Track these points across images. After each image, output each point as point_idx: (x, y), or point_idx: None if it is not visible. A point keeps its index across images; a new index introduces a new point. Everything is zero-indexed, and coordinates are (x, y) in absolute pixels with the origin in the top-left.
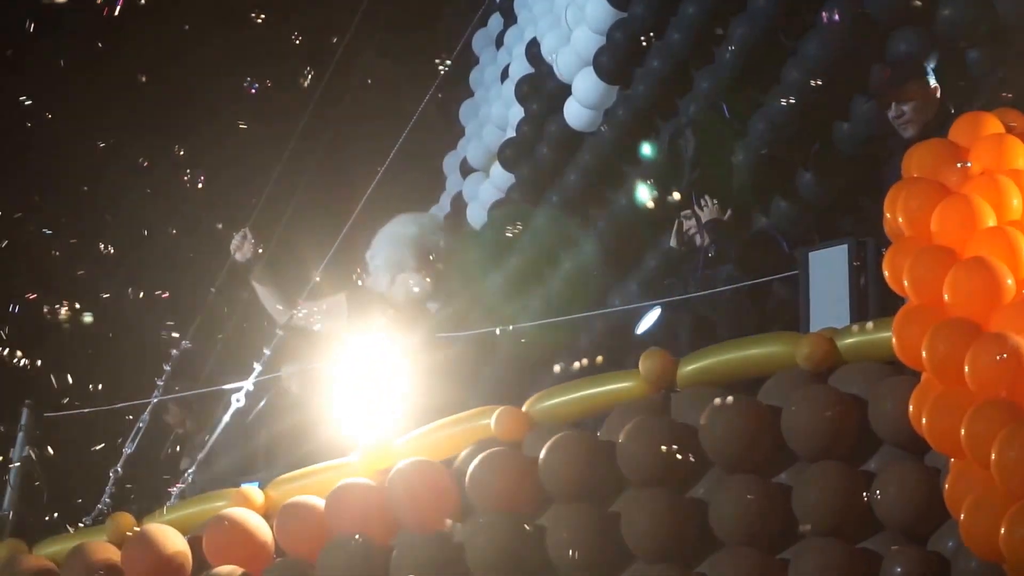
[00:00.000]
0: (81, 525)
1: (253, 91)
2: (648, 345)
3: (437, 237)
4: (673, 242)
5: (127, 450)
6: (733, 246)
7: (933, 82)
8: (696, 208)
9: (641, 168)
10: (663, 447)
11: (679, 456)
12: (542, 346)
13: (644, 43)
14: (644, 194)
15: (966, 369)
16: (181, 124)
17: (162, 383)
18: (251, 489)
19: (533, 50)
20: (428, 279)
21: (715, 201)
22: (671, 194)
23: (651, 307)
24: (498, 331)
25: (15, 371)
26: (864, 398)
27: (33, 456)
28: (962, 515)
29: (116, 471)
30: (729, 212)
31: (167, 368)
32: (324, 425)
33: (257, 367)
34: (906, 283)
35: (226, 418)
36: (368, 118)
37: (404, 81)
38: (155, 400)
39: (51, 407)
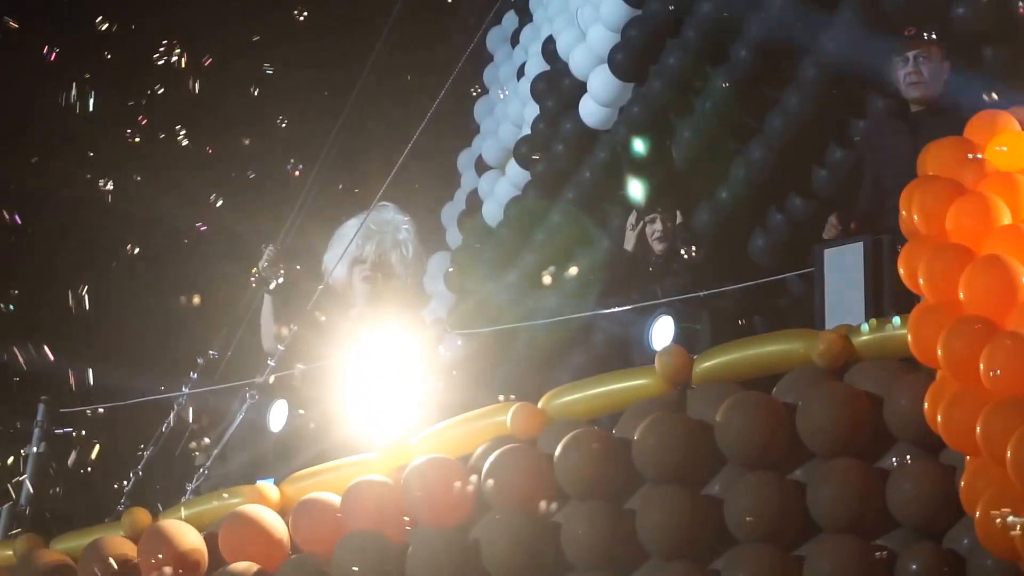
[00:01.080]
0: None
1: (297, 173)
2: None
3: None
4: (629, 246)
5: (148, 452)
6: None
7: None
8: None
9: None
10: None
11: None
12: (556, 342)
13: None
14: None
15: (982, 367)
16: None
17: (188, 389)
18: (267, 485)
19: (549, 48)
20: (367, 278)
21: (679, 211)
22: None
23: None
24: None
25: (32, 367)
26: (879, 395)
27: (49, 452)
28: (978, 513)
29: (137, 473)
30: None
31: (194, 376)
32: (339, 422)
33: (271, 363)
34: (922, 281)
35: (241, 414)
36: (383, 117)
37: (419, 79)
38: (178, 398)
39: (67, 403)
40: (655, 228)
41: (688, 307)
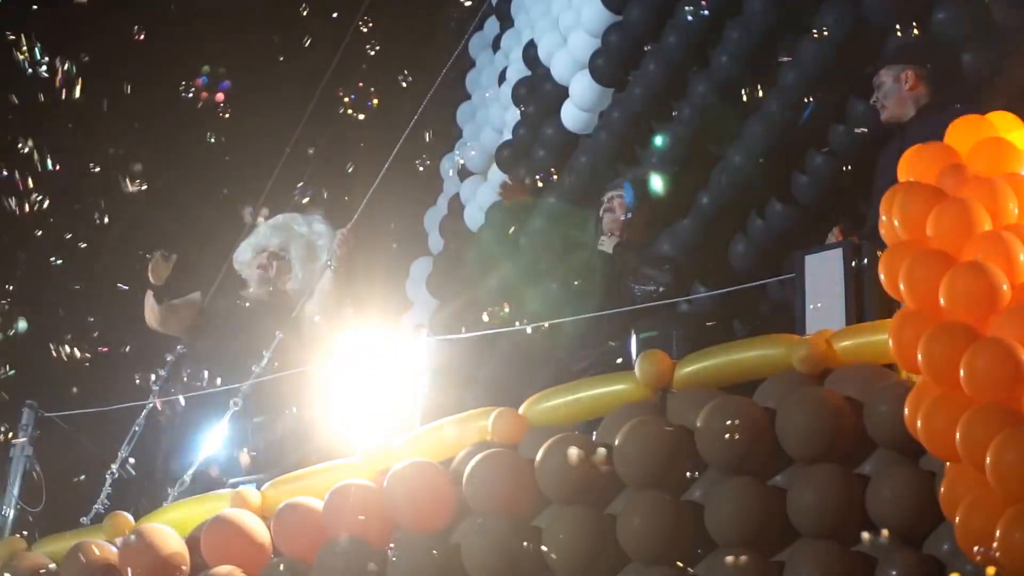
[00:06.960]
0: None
1: (307, 198)
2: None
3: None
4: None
5: (123, 453)
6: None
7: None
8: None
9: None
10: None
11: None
12: (540, 345)
13: None
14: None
15: (962, 373)
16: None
17: (157, 387)
18: (249, 490)
19: (530, 53)
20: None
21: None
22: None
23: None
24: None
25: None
26: (860, 401)
27: (33, 455)
28: (957, 518)
29: (113, 473)
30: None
31: (162, 372)
32: (322, 426)
33: (255, 370)
34: (902, 287)
35: (224, 422)
36: (366, 122)
37: (401, 86)
38: (151, 402)
39: (51, 407)
40: (609, 213)
41: (664, 312)
